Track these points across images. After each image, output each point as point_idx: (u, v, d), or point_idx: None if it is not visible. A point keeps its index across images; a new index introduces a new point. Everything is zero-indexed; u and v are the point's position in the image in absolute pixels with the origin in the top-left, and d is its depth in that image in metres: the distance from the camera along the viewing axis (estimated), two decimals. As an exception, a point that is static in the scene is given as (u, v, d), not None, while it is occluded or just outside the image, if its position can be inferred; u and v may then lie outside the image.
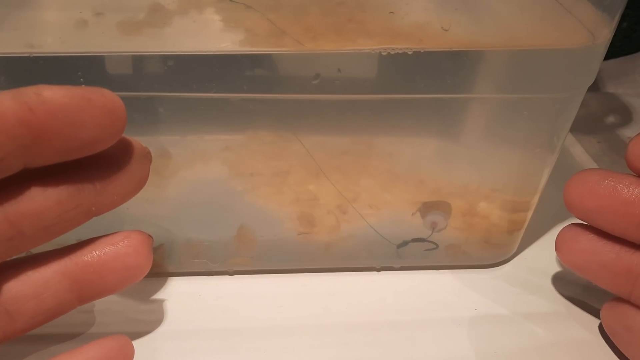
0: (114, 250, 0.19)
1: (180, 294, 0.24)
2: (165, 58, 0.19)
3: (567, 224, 0.22)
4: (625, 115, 0.39)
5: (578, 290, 0.25)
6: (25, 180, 0.17)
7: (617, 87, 0.42)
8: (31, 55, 0.19)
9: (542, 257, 0.27)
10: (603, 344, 0.22)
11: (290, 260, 0.25)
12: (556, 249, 0.22)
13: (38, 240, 0.17)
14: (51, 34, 0.19)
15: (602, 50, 0.21)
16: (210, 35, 0.19)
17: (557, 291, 0.25)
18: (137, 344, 0.21)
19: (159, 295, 0.24)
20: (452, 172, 0.23)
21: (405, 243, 0.25)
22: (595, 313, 0.24)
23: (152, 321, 0.22)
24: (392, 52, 0.19)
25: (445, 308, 0.24)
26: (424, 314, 0.23)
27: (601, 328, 0.23)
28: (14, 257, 0.18)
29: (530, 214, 0.25)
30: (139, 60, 0.19)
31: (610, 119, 0.39)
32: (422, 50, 0.19)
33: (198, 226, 0.24)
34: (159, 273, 0.24)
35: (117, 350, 0.18)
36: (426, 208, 0.24)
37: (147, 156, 0.19)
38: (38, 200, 0.17)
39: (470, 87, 0.20)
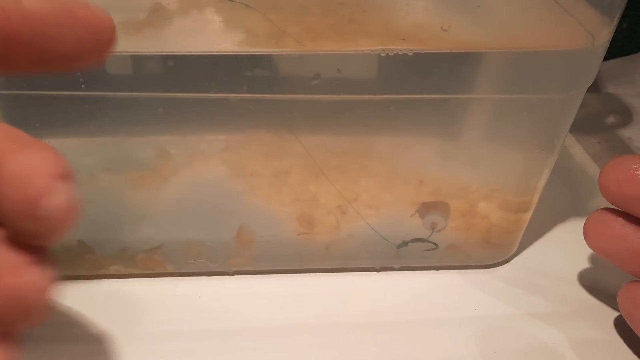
0: None
1: (180, 294, 0.24)
2: (165, 58, 0.19)
3: (567, 224, 0.22)
4: (625, 115, 0.39)
5: (578, 290, 0.25)
6: None
7: (617, 87, 0.42)
8: (31, 56, 0.19)
9: (542, 257, 0.27)
10: (603, 343, 0.22)
11: (290, 260, 0.25)
12: (584, 234, 0.22)
13: None
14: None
15: (602, 51, 0.21)
16: (210, 35, 0.19)
17: (557, 291, 0.25)
18: (137, 344, 0.21)
19: (159, 295, 0.24)
20: (452, 172, 0.23)
21: (405, 243, 0.25)
22: (595, 313, 0.24)
23: (152, 321, 0.22)
24: (392, 54, 0.19)
25: (445, 308, 0.24)
26: (424, 314, 0.23)
27: (601, 328, 0.23)
28: None
29: (530, 214, 0.25)
30: (139, 60, 0.19)
31: (610, 119, 0.38)
32: (422, 52, 0.19)
33: (198, 226, 0.24)
34: (159, 273, 0.24)
35: None
36: (425, 208, 0.24)
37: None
38: None
39: (470, 88, 0.20)
